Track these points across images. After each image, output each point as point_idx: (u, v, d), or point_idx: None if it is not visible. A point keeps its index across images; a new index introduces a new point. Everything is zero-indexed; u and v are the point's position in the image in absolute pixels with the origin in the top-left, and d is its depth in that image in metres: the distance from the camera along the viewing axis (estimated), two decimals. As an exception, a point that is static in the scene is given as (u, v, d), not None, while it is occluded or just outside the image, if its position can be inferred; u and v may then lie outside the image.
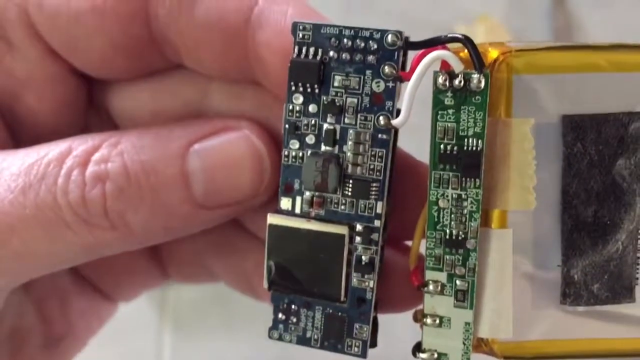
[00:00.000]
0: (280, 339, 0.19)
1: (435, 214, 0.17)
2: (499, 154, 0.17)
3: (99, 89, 0.23)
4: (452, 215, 0.17)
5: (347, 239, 0.17)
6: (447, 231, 0.17)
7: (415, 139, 0.20)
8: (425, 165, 0.20)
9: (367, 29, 0.17)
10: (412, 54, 0.17)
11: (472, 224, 0.17)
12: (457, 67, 0.16)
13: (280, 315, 0.19)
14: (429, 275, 0.17)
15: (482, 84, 0.16)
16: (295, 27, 0.17)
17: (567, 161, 0.17)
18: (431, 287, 0.17)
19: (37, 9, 0.20)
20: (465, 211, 0.17)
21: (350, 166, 0.17)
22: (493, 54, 0.16)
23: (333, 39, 0.17)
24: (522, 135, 0.16)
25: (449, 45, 0.16)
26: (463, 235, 0.17)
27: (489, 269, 0.17)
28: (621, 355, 0.18)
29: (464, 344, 0.18)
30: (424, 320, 0.18)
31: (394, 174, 0.18)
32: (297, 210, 0.18)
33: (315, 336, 0.19)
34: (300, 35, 0.17)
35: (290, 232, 0.18)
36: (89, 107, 0.23)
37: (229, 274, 0.24)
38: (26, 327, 0.24)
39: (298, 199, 0.18)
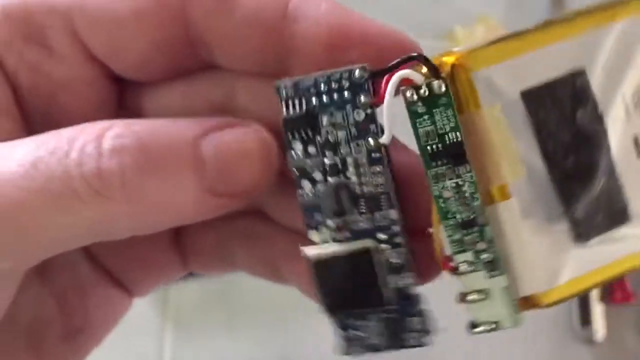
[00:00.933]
0: (348, 354, 0.21)
1: (443, 205, 0.19)
2: (483, 141, 0.19)
3: (131, 91, 0.23)
4: (457, 202, 0.19)
5: (373, 249, 0.20)
6: (458, 217, 0.19)
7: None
8: None
9: (336, 72, 0.19)
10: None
11: (475, 203, 0.19)
12: (419, 80, 0.19)
13: (342, 333, 0.21)
14: (457, 258, 0.20)
15: (443, 88, 0.18)
16: (278, 87, 0.20)
17: (537, 127, 0.20)
18: (461, 268, 0.20)
19: (80, 16, 0.21)
20: (467, 194, 0.19)
21: (357, 187, 0.20)
22: (448, 60, 0.19)
23: (312, 88, 0.19)
24: (495, 119, 0.19)
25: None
26: (473, 216, 0.19)
27: (507, 237, 0.20)
28: (632, 270, 0.21)
29: (509, 307, 0.20)
30: (467, 298, 0.20)
31: (397, 180, 0.20)
32: (327, 238, 0.20)
33: (378, 341, 0.21)
34: (284, 94, 0.20)
35: (327, 258, 0.20)
36: (119, 109, 0.23)
37: (253, 262, 0.24)
38: (46, 319, 0.23)
39: (324, 229, 0.20)
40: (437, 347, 0.20)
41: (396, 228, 0.20)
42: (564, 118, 0.20)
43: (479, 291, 0.20)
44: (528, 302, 0.20)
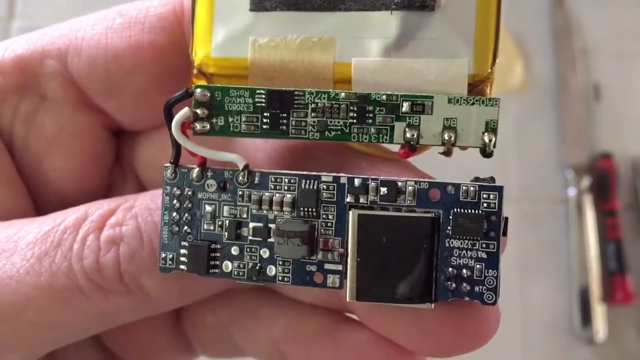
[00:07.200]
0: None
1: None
2: None
3: (126, 143, 0.23)
4: None
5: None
6: None
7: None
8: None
9: None
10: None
11: None
12: (188, 113, 0.19)
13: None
14: None
15: (207, 93, 0.19)
16: None
17: None
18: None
19: (75, 56, 0.21)
20: None
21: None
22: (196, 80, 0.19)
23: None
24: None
25: None
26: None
27: None
28: None
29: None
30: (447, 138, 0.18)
31: None
32: None
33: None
34: None
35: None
36: (114, 163, 0.23)
37: (255, 344, 0.23)
38: None
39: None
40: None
41: None
42: None
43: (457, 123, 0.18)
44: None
